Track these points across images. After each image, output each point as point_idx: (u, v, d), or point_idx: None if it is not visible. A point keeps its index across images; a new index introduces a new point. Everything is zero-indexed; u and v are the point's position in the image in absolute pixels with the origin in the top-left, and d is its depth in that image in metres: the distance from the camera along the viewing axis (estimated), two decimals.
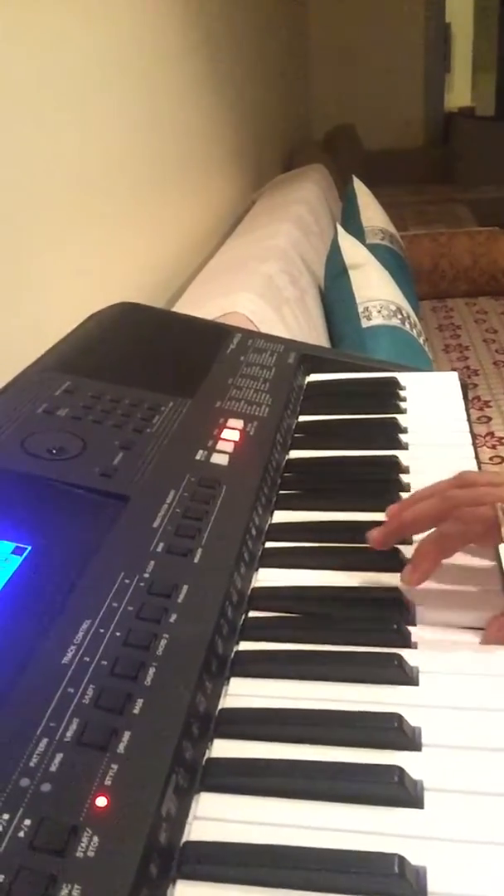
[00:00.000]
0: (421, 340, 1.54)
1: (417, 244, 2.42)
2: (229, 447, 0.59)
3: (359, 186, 2.07)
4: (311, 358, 0.79)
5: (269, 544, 0.53)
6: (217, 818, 0.34)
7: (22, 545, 0.46)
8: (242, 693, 0.41)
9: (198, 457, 0.57)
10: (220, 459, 0.57)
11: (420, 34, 3.88)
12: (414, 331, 1.50)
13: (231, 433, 0.61)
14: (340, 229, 1.54)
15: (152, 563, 0.45)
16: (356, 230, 1.90)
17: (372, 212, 2.02)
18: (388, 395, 0.71)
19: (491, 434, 1.76)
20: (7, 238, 0.81)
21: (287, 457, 0.64)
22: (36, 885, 0.28)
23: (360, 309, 1.43)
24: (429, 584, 0.46)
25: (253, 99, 2.31)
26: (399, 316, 1.46)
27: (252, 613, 0.46)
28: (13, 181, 0.83)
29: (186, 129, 1.58)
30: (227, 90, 1.94)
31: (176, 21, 1.51)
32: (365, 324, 1.42)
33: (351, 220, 2.00)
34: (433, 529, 0.48)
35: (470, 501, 0.46)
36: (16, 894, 0.28)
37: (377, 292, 1.47)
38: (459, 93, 4.81)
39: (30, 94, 0.86)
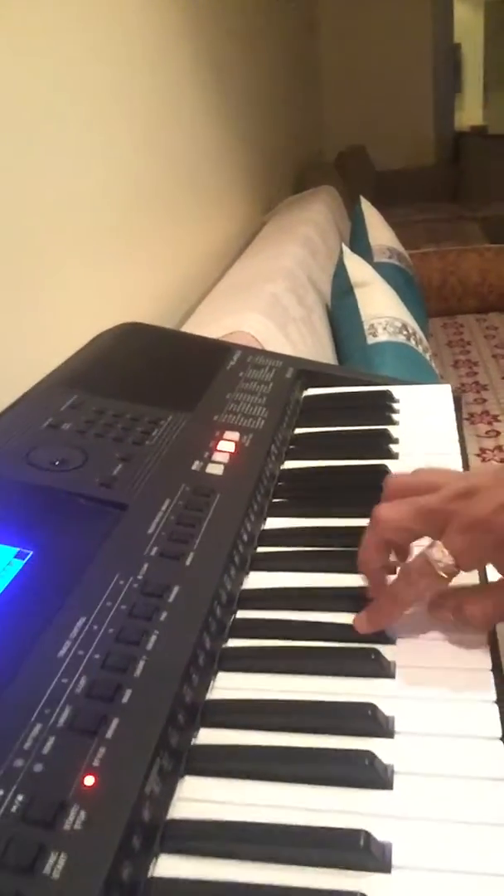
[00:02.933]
0: (427, 356, 1.57)
1: (426, 262, 2.45)
2: (225, 458, 0.61)
3: (366, 206, 2.10)
4: (308, 373, 0.82)
5: (260, 549, 0.55)
6: (199, 799, 0.36)
7: (25, 550, 0.49)
8: (229, 686, 0.43)
9: (194, 467, 0.60)
10: (215, 469, 0.60)
11: (429, 54, 3.94)
12: (420, 347, 1.53)
13: (227, 445, 0.63)
14: (346, 249, 1.57)
15: (146, 565, 0.48)
16: (363, 249, 1.93)
17: (379, 231, 2.06)
18: (381, 408, 0.74)
19: (499, 447, 1.77)
20: (20, 260, 0.85)
21: (281, 467, 0.66)
22: (26, 854, 0.31)
23: (366, 326, 1.46)
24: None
25: (264, 121, 2.36)
26: (405, 332, 1.49)
27: (241, 613, 0.49)
28: (25, 203, 0.87)
29: (197, 152, 1.63)
30: (237, 113, 1.99)
31: (186, 45, 1.55)
32: (371, 340, 1.45)
33: (359, 240, 2.03)
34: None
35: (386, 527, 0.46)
36: (8, 861, 0.31)
37: (382, 309, 1.49)
38: (470, 112, 4.86)
39: (42, 119, 0.91)
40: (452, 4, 3.97)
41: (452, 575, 0.44)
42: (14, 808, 0.32)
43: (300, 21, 3.37)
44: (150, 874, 0.33)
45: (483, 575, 0.48)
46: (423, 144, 4.10)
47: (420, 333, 1.58)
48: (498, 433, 1.82)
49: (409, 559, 0.48)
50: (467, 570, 0.44)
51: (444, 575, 0.43)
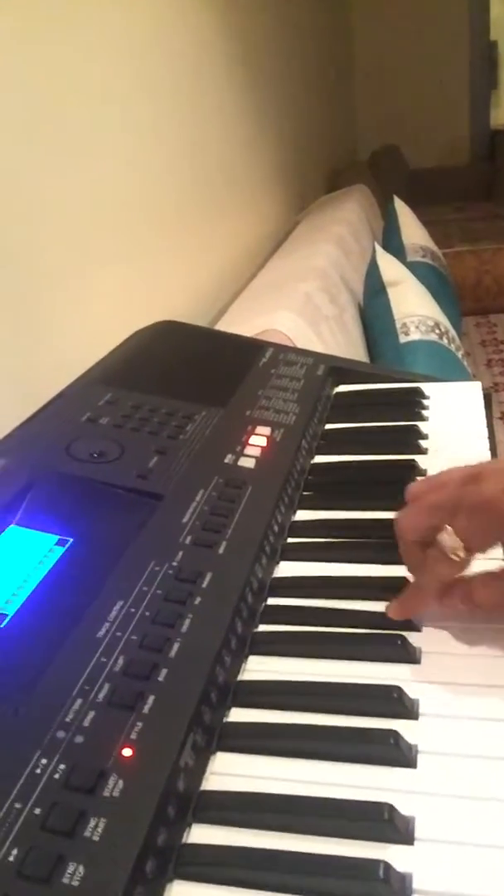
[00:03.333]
0: (460, 355, 1.57)
1: (461, 260, 2.44)
2: (256, 452, 0.63)
3: (399, 205, 2.10)
4: (339, 370, 0.83)
5: (290, 539, 0.57)
6: (231, 773, 0.38)
7: (65, 538, 0.52)
8: (259, 668, 0.45)
9: (226, 460, 0.61)
10: (247, 463, 0.62)
11: (465, 52, 3.91)
12: (452, 346, 1.53)
13: (258, 439, 0.65)
14: (378, 248, 1.58)
15: (180, 553, 0.50)
16: (397, 248, 1.94)
17: (412, 230, 2.06)
18: (411, 404, 0.75)
19: None
20: (57, 260, 0.88)
21: (312, 461, 0.68)
22: (68, 818, 0.33)
23: (399, 325, 1.47)
24: None
25: (297, 121, 2.37)
26: (437, 331, 1.49)
27: (271, 600, 0.50)
28: (61, 202, 0.89)
29: (231, 151, 1.65)
30: (271, 112, 2.00)
31: (220, 42, 1.57)
32: (403, 339, 1.45)
33: (392, 239, 2.03)
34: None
35: (408, 532, 0.48)
36: (50, 826, 0.33)
37: (415, 308, 1.50)
38: None
39: (75, 115, 0.93)
40: (488, 1, 3.94)
41: (466, 559, 0.45)
42: (57, 776, 0.35)
43: (334, 19, 3.38)
44: (183, 840, 0.35)
45: None
46: (457, 142, 4.08)
47: (453, 332, 1.58)
48: None
49: None
50: (477, 551, 0.45)
51: (456, 558, 0.44)
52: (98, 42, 0.99)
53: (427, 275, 1.89)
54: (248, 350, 0.84)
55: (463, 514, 0.44)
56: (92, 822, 0.33)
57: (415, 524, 0.47)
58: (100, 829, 0.33)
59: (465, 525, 0.44)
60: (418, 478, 0.62)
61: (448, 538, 0.44)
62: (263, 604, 0.50)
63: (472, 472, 0.45)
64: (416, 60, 3.85)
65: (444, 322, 1.54)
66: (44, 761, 0.35)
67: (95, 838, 0.32)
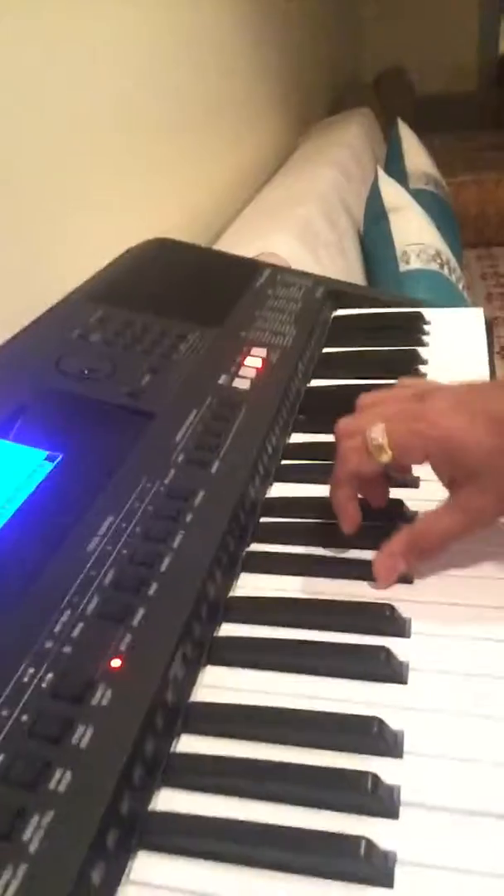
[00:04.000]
0: (460, 286, 1.54)
1: (464, 190, 2.38)
2: (251, 373, 0.62)
3: (404, 130, 2.04)
4: (338, 293, 0.81)
5: (284, 462, 0.56)
6: (220, 686, 0.38)
7: (55, 453, 0.50)
8: (251, 585, 0.44)
9: (221, 381, 0.60)
10: (241, 384, 0.60)
11: None
12: (453, 276, 1.50)
13: (254, 360, 0.63)
14: (381, 172, 1.53)
15: (172, 471, 0.49)
16: (399, 175, 1.88)
17: (416, 156, 2.00)
18: (411, 329, 0.73)
19: None
20: (51, 175, 0.84)
21: (308, 384, 0.66)
22: (55, 727, 0.33)
23: (399, 252, 1.44)
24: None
25: (301, 39, 2.27)
26: (438, 261, 1.46)
27: (264, 520, 0.50)
28: (57, 118, 0.85)
29: (230, 69, 1.58)
30: (273, 30, 1.92)
31: None
32: (403, 268, 1.42)
33: (394, 165, 1.98)
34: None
35: (344, 436, 0.46)
36: (38, 733, 0.32)
37: (417, 236, 1.46)
38: None
39: (70, 33, 0.88)
40: None
41: (382, 461, 0.44)
42: (44, 685, 0.34)
43: None
44: (172, 751, 0.35)
45: None
46: (465, 68, 3.93)
47: (454, 262, 1.55)
48: None
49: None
50: (398, 457, 0.44)
51: (372, 453, 0.43)
52: None
53: (430, 203, 1.84)
54: (244, 270, 0.82)
55: (398, 418, 0.44)
56: (79, 730, 0.33)
57: (353, 428, 0.46)
58: (87, 737, 0.32)
59: (397, 427, 0.43)
60: None
61: (375, 431, 0.43)
62: (256, 523, 0.50)
63: (422, 392, 0.45)
64: None
65: (446, 251, 1.51)
66: (31, 670, 0.35)
67: (83, 746, 0.32)
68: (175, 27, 1.24)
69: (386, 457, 0.43)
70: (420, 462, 0.45)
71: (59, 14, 0.86)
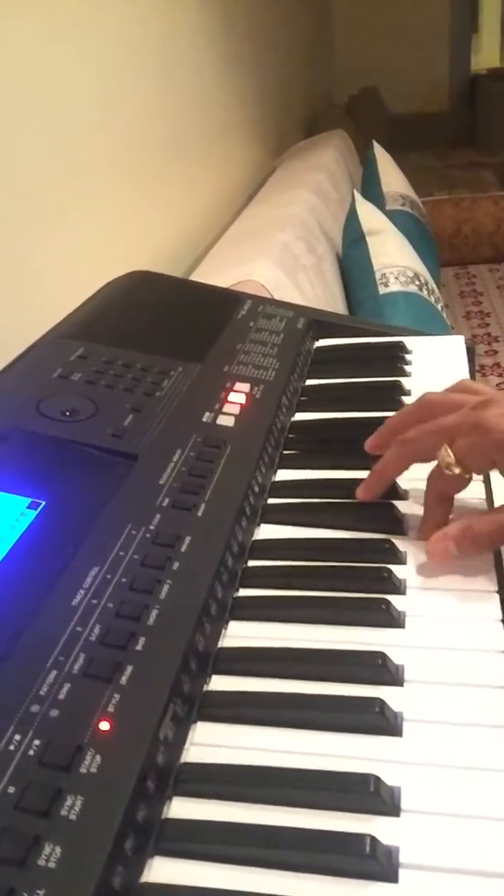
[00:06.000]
0: (439, 307, 1.55)
1: (439, 209, 2.40)
2: (235, 409, 0.61)
3: (379, 152, 2.06)
4: (320, 323, 0.81)
5: (271, 500, 0.55)
6: (212, 744, 0.37)
7: (37, 500, 0.49)
8: (240, 634, 0.44)
9: (204, 418, 0.59)
10: (225, 421, 0.60)
11: None
12: (432, 297, 1.51)
13: (237, 396, 0.63)
14: (358, 195, 1.54)
15: (158, 516, 0.48)
16: (376, 196, 1.90)
17: (392, 177, 2.01)
18: (393, 359, 0.73)
19: None
20: (26, 209, 0.84)
21: (292, 418, 0.66)
22: (44, 797, 0.32)
23: (378, 276, 1.44)
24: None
25: (274, 63, 2.29)
26: (417, 282, 1.47)
27: (252, 563, 0.49)
28: (30, 150, 0.85)
29: (204, 94, 1.59)
30: (246, 54, 1.93)
31: None
32: (382, 290, 1.43)
33: (371, 186, 1.99)
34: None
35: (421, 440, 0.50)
36: (26, 804, 0.31)
37: (395, 259, 1.47)
38: (488, 54, 4.70)
39: (42, 59, 0.88)
40: None
41: (460, 477, 0.48)
42: (31, 752, 0.33)
43: None
44: (164, 816, 0.34)
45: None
46: (437, 87, 3.99)
47: (432, 283, 1.56)
48: None
49: None
50: (471, 470, 0.48)
51: (449, 473, 0.47)
52: None
53: (406, 224, 1.85)
54: (225, 302, 0.81)
55: (462, 433, 0.47)
56: (69, 801, 0.32)
57: (420, 444, 0.50)
58: (77, 808, 0.31)
59: (462, 444, 0.47)
60: None
61: (444, 453, 0.47)
62: (244, 567, 0.49)
63: (484, 400, 0.48)
64: (397, 2, 3.73)
65: (424, 273, 1.52)
66: (17, 737, 0.34)
67: (73, 817, 0.31)
68: (147, 55, 1.25)
69: (459, 469, 0.47)
70: (490, 469, 0.49)
71: (36, 45, 0.86)
